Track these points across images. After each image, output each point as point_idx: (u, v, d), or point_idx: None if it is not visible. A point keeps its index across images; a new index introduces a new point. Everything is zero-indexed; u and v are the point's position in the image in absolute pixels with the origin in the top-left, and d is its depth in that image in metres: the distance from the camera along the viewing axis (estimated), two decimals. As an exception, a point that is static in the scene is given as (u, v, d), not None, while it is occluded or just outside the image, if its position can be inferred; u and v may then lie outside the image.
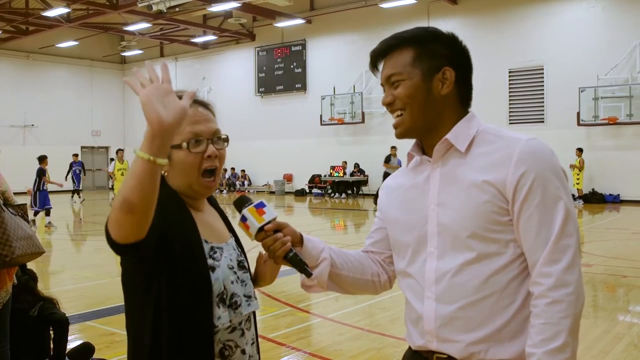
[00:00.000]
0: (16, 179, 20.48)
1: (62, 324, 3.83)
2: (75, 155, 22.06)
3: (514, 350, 1.36)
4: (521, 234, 1.35)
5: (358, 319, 5.43)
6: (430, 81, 1.43)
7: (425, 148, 1.51)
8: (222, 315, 1.47)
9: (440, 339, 1.41)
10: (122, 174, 14.53)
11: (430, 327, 1.43)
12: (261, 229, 1.46)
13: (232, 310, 1.50)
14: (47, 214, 13.03)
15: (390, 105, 1.47)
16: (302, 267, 1.47)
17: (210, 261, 1.48)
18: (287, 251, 1.47)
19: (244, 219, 1.48)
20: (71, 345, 4.39)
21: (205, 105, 1.57)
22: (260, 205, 1.48)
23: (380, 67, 1.51)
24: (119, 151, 16.80)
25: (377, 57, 1.50)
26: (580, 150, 17.01)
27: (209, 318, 1.44)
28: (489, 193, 1.36)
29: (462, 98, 1.48)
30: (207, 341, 1.44)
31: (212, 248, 1.51)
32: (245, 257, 1.64)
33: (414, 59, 1.44)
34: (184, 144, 1.47)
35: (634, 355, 4.44)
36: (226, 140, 1.55)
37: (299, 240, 1.53)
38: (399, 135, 1.49)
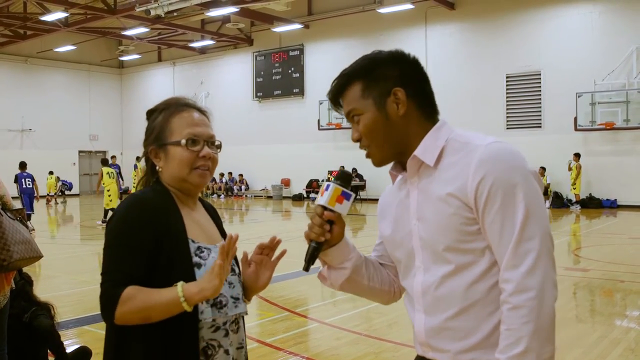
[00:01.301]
0: (14, 183, 20.27)
1: (41, 333, 3.75)
2: (114, 157, 21.88)
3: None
4: (489, 240, 1.35)
5: (356, 324, 5.43)
6: (384, 107, 1.43)
7: (404, 165, 1.51)
8: (205, 310, 1.52)
9: (434, 349, 1.44)
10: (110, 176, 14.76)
11: (422, 338, 1.46)
12: (324, 207, 1.46)
13: (217, 309, 1.54)
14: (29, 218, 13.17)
15: (358, 141, 1.49)
16: (306, 259, 1.47)
17: (195, 259, 1.53)
18: (315, 241, 1.47)
19: (326, 188, 1.48)
20: (69, 349, 4.39)
21: (203, 112, 1.67)
22: (346, 195, 1.47)
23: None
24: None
25: (334, 98, 1.51)
26: (577, 155, 17.05)
27: (194, 311, 1.48)
28: (454, 205, 1.36)
29: (423, 111, 1.46)
30: (192, 334, 1.49)
31: (199, 247, 1.56)
32: (237, 262, 1.69)
33: (363, 91, 1.45)
34: (183, 141, 1.57)
35: (630, 360, 4.45)
36: (219, 146, 1.65)
37: (338, 241, 1.52)
38: (376, 165, 1.52)
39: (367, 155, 1.50)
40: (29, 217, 12.79)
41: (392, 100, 1.43)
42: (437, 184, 1.40)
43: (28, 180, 13.12)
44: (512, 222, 1.31)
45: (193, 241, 1.55)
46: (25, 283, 3.88)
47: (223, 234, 1.72)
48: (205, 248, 1.57)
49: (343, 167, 21.78)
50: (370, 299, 1.67)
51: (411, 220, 1.46)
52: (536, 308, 1.28)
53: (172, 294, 1.42)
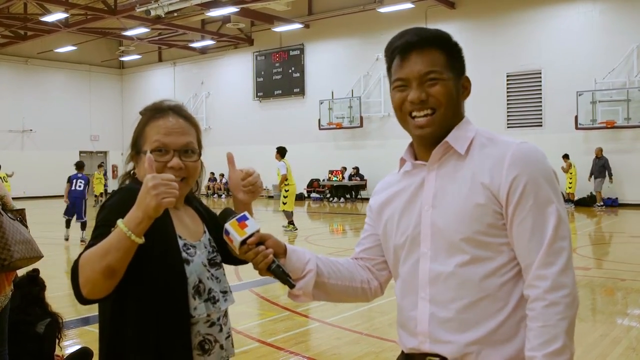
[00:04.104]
0: (15, 184, 20.18)
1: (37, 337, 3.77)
2: None
3: (506, 353, 1.36)
4: (514, 237, 1.36)
5: (356, 323, 5.43)
6: (459, 85, 1.47)
7: (417, 153, 1.51)
8: (198, 307, 1.52)
9: (434, 340, 1.41)
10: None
11: (424, 329, 1.43)
12: (244, 242, 1.45)
13: (212, 305, 1.55)
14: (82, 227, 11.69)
15: (422, 103, 1.41)
16: (284, 279, 1.46)
17: (184, 255, 1.53)
18: (270, 263, 1.45)
19: (227, 233, 1.48)
20: (69, 350, 4.39)
21: (186, 117, 1.62)
22: (242, 219, 1.47)
23: (396, 61, 1.45)
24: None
25: (408, 48, 1.43)
26: (565, 156, 17.03)
27: (185, 307, 1.49)
28: (484, 196, 1.37)
29: (463, 103, 1.53)
30: (183, 329, 1.49)
31: (185, 244, 1.57)
32: (220, 253, 1.67)
33: (448, 61, 1.45)
34: (148, 153, 1.51)
35: (632, 358, 4.43)
36: (197, 153, 1.60)
37: (283, 251, 1.51)
38: (428, 135, 1.43)
39: (426, 123, 1.42)
40: (83, 225, 11.45)
41: (462, 83, 1.48)
42: (467, 173, 1.40)
43: (80, 182, 11.47)
44: (546, 221, 1.34)
45: (180, 237, 1.56)
46: (40, 290, 3.93)
47: (207, 224, 1.69)
48: (191, 245, 1.57)
49: (346, 169, 21.75)
50: (345, 300, 1.64)
51: (422, 207, 1.45)
52: (569, 305, 1.32)
53: (117, 232, 1.35)
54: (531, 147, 1.38)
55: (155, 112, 1.60)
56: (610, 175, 16.74)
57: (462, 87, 1.47)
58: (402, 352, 1.54)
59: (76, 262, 1.39)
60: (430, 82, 1.42)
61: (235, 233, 1.46)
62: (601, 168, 16.81)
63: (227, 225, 1.47)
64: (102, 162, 17.64)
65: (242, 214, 1.48)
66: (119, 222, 1.36)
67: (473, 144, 1.43)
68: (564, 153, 17.16)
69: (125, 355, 1.47)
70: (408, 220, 1.48)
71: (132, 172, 1.65)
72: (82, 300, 1.39)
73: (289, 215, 12.67)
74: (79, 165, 11.78)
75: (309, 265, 1.52)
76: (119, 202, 1.48)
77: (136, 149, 1.60)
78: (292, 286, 1.47)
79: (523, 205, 1.34)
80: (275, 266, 1.46)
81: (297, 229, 12.59)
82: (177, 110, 1.61)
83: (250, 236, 1.45)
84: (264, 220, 16.41)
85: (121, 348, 1.48)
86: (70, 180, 11.50)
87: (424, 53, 1.43)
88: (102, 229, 1.44)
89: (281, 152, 12.75)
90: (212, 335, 1.54)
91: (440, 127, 1.44)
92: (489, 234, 1.37)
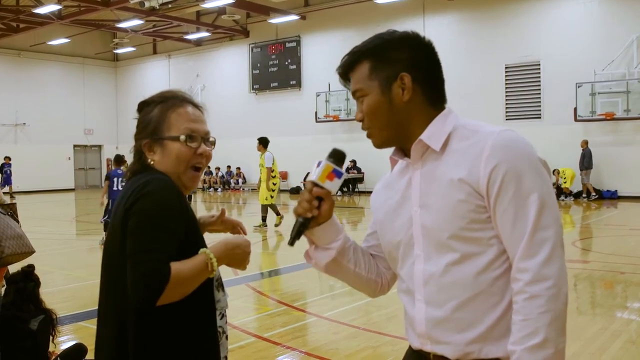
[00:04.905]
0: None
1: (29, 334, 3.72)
2: None
3: (507, 348, 1.34)
4: (499, 229, 1.33)
5: (354, 318, 5.38)
6: (390, 91, 1.40)
7: (406, 151, 1.48)
8: (222, 299, 1.59)
9: (434, 341, 1.41)
10: None
11: (422, 330, 1.42)
12: (313, 184, 1.44)
13: (224, 297, 1.64)
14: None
15: (362, 122, 1.47)
16: (293, 235, 1.44)
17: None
18: (302, 216, 1.43)
19: (319, 163, 1.46)
20: (64, 346, 4.33)
21: (198, 107, 1.67)
22: (336, 173, 1.44)
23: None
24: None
25: (343, 74, 1.49)
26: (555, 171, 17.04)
27: (212, 300, 1.56)
28: (464, 192, 1.33)
29: (430, 97, 1.43)
30: (212, 322, 1.56)
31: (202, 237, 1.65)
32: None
33: (371, 72, 1.42)
34: (182, 137, 1.56)
35: (631, 351, 4.41)
36: (214, 143, 1.67)
37: (326, 220, 1.48)
38: (376, 147, 1.49)
39: (368, 136, 1.48)
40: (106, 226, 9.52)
41: (398, 84, 1.40)
42: (445, 169, 1.37)
43: (122, 181, 9.78)
44: (527, 210, 1.29)
45: None
46: (35, 286, 3.88)
47: None
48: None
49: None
50: (355, 287, 1.63)
51: (412, 207, 1.43)
52: (553, 297, 1.27)
53: (206, 267, 1.48)
54: (512, 134, 1.32)
55: (176, 100, 1.63)
56: (586, 167, 16.75)
57: (400, 87, 1.40)
58: (410, 347, 1.53)
59: (166, 272, 1.40)
60: (360, 99, 1.45)
61: (318, 174, 1.43)
62: (582, 159, 16.86)
63: (323, 163, 1.44)
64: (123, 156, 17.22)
65: (341, 170, 1.45)
66: (212, 258, 1.49)
67: (451, 137, 1.39)
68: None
69: (153, 352, 1.46)
70: (401, 221, 1.46)
71: (147, 160, 1.61)
72: (145, 306, 1.41)
73: (274, 208, 12.36)
74: (119, 160, 10.05)
75: (334, 245, 1.50)
76: (173, 203, 1.50)
77: (156, 135, 1.58)
78: (289, 243, 1.46)
79: (503, 196, 1.29)
80: (302, 222, 1.44)
81: (267, 226, 12.30)
82: (192, 101, 1.66)
83: (321, 187, 1.42)
84: (259, 212, 16.33)
85: (150, 345, 1.46)
86: (110, 177, 9.96)
87: (354, 72, 1.46)
88: (160, 230, 1.45)
89: (264, 142, 11.83)
90: (221, 327, 1.60)
91: (381, 137, 1.46)
92: (475, 229, 1.33)
